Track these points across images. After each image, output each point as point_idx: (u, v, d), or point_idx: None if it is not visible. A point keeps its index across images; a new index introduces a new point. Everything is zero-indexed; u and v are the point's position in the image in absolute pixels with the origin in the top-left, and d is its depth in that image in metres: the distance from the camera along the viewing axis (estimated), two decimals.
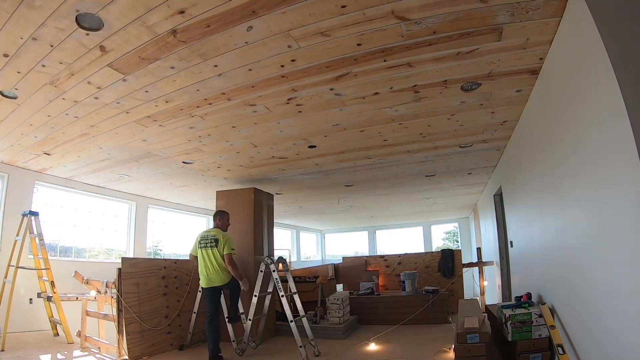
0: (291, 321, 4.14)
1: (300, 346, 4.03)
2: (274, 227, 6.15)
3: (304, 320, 4.31)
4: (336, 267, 7.77)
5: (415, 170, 5.88)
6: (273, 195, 6.18)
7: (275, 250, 6.10)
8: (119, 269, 4.22)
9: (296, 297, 4.50)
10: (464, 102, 3.42)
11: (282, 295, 4.20)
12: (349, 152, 4.85)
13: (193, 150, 4.54)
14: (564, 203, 2.64)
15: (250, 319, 4.35)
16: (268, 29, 2.31)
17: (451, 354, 3.85)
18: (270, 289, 4.76)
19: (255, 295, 4.36)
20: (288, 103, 3.36)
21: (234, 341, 4.45)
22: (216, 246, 4.26)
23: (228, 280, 4.31)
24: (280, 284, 4.27)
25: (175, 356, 4.40)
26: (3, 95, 3.07)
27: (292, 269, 8.81)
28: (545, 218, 3.18)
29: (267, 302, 4.77)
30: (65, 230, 6.15)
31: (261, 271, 4.43)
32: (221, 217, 4.60)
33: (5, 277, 4.53)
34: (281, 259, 4.69)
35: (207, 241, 4.33)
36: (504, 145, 4.74)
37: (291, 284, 4.67)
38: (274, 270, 4.39)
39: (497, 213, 5.94)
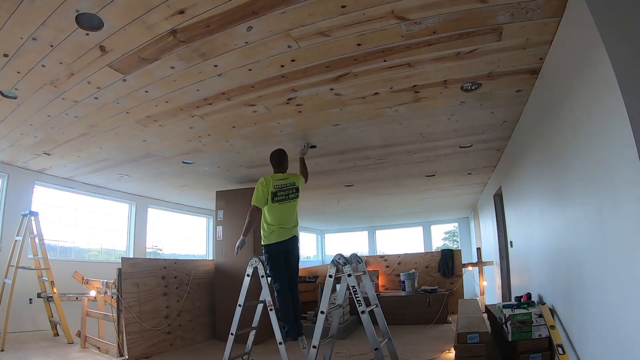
0: (376, 349, 2.88)
1: None
2: None
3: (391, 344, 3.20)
4: None
5: (415, 170, 5.88)
6: None
7: None
8: (119, 269, 4.22)
9: (379, 312, 3.26)
10: (464, 102, 3.42)
11: (363, 312, 2.92)
12: (349, 152, 4.85)
13: (193, 150, 4.54)
14: (564, 203, 2.64)
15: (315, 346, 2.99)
16: (268, 29, 2.31)
17: (451, 354, 3.85)
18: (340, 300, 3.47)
19: (323, 312, 3.05)
20: (288, 103, 3.36)
21: None
22: (297, 197, 3.68)
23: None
24: (360, 295, 2.96)
25: (175, 356, 4.40)
26: (3, 95, 3.07)
27: None
28: (545, 218, 3.18)
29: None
30: (65, 230, 6.15)
31: (330, 276, 3.07)
32: (286, 157, 3.84)
33: (5, 277, 4.53)
34: (356, 257, 3.37)
35: (287, 192, 3.63)
36: (504, 145, 4.74)
37: (370, 293, 3.35)
38: (349, 275, 3.03)
39: (497, 213, 5.94)
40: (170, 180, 5.99)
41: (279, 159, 3.80)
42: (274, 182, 3.61)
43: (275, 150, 3.89)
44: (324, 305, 3.03)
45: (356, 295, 2.96)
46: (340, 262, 3.06)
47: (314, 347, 2.98)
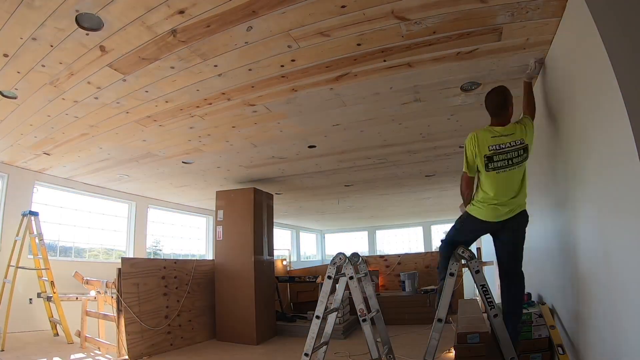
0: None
1: None
2: (274, 227, 6.15)
3: None
4: None
5: (415, 170, 5.88)
6: (273, 195, 6.18)
7: (275, 250, 6.10)
8: (119, 269, 4.22)
9: (379, 317, 3.00)
10: (464, 102, 3.42)
11: (364, 320, 2.63)
12: (349, 152, 4.84)
13: (193, 150, 4.54)
14: (563, 202, 2.64)
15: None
16: (268, 29, 2.31)
17: (451, 354, 3.85)
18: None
19: (318, 317, 2.71)
20: (288, 103, 3.36)
21: None
22: (527, 159, 2.45)
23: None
24: (361, 298, 2.70)
25: (176, 356, 4.40)
26: (3, 95, 3.06)
27: (291, 268, 8.76)
28: (545, 218, 3.18)
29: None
30: (65, 230, 6.15)
31: (329, 277, 2.75)
32: (510, 100, 2.49)
33: (5, 277, 4.53)
34: (357, 257, 3.05)
35: (510, 154, 2.42)
36: None
37: (371, 297, 3.05)
38: (350, 277, 2.74)
39: None
40: (170, 180, 5.99)
41: (497, 103, 2.50)
42: (489, 140, 2.48)
43: (492, 90, 2.58)
44: (319, 310, 2.67)
45: (360, 304, 2.67)
46: (341, 262, 2.73)
47: (305, 355, 2.66)
